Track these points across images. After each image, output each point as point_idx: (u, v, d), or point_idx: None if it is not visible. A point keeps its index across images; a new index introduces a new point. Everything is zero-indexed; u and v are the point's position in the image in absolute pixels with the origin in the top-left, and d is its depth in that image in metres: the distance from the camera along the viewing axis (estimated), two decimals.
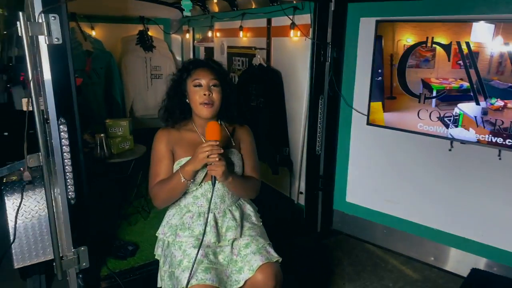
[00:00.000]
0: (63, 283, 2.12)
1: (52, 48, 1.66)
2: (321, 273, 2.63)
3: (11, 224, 1.99)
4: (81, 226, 1.94)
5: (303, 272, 2.56)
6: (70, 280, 1.98)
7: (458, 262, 2.48)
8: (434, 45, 2.13)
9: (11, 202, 2.00)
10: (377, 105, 2.41)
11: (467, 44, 2.04)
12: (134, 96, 4.66)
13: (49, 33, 1.62)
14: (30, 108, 1.64)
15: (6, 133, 2.93)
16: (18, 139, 1.81)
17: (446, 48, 2.10)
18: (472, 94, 2.08)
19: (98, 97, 4.28)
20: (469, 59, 2.04)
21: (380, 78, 2.35)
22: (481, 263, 2.37)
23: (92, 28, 4.44)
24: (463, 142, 2.21)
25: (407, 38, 2.21)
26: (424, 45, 2.16)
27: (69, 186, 1.85)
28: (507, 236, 2.24)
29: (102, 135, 2.80)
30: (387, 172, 2.70)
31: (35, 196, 2.05)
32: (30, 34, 1.58)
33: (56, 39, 1.65)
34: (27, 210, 2.04)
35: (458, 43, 2.06)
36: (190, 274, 1.49)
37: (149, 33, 4.69)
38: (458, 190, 2.39)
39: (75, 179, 1.85)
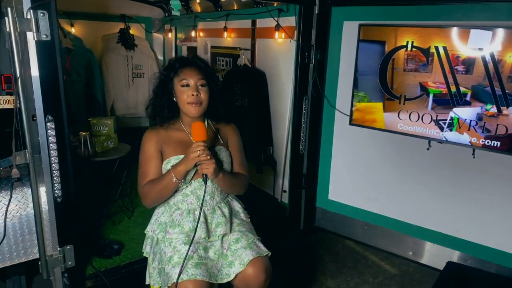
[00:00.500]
0: (43, 284, 2.09)
1: (40, 45, 1.64)
2: (304, 269, 2.69)
3: None
4: (67, 224, 1.92)
5: (286, 269, 2.60)
6: (55, 279, 1.96)
7: (435, 256, 2.60)
8: (414, 49, 2.23)
9: None
10: (378, 105, 2.48)
11: (444, 48, 2.14)
12: (115, 94, 4.59)
13: (38, 30, 1.61)
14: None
15: None
16: None
17: (425, 52, 2.20)
18: (449, 98, 2.19)
19: (78, 96, 4.19)
20: (448, 63, 2.14)
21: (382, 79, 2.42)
22: (456, 256, 2.50)
23: (72, 25, 4.35)
24: (440, 142, 2.32)
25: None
26: (405, 49, 2.26)
27: (55, 184, 1.83)
28: (480, 231, 2.37)
29: (85, 133, 2.77)
30: (368, 170, 2.79)
31: (15, 195, 2.00)
32: (18, 30, 1.56)
33: (44, 36, 1.63)
34: (8, 209, 1.99)
35: (436, 48, 2.17)
36: (181, 269, 1.51)
37: (131, 31, 4.63)
38: (435, 187, 2.50)
39: (62, 177, 1.84)
